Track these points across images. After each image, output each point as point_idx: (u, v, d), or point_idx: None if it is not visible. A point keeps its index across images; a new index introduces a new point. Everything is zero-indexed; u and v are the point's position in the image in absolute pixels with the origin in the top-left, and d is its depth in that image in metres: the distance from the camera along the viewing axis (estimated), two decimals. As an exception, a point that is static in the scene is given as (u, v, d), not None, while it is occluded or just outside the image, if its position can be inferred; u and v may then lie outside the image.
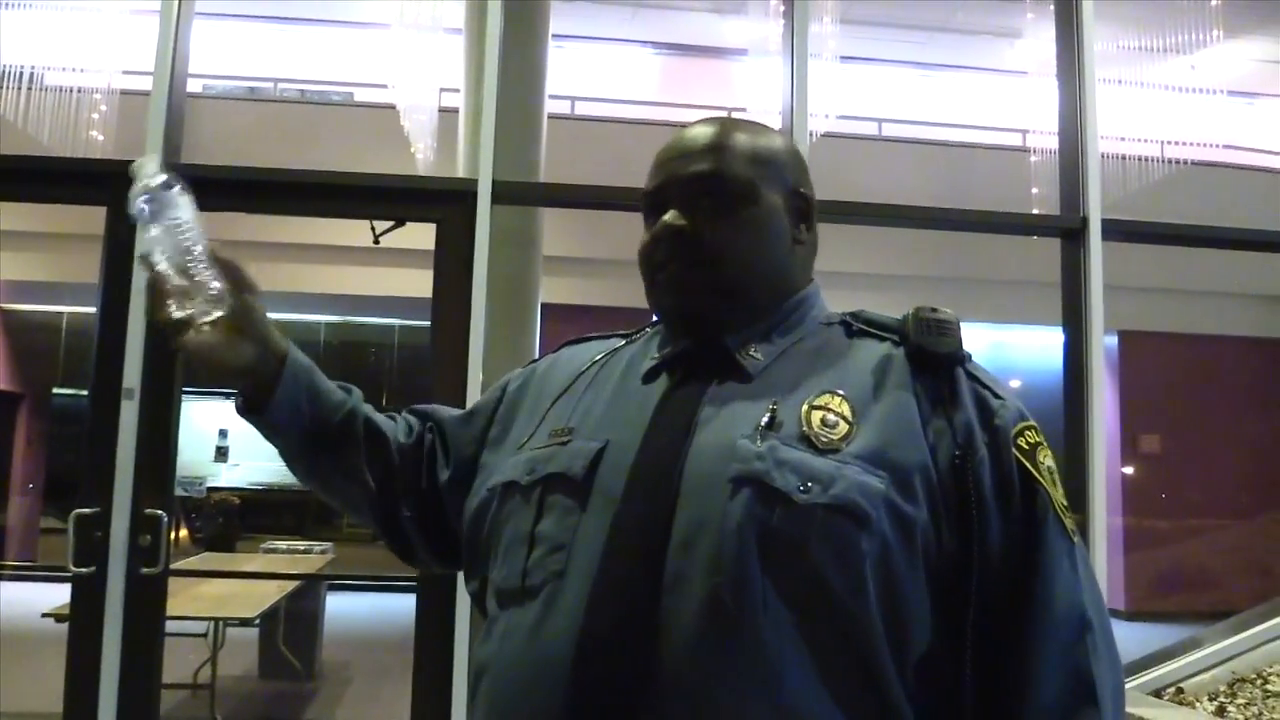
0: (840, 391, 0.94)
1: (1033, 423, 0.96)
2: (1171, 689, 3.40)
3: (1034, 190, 6.87)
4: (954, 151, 9.28)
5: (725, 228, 1.01)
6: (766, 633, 0.83)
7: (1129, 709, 3.09)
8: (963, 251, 7.84)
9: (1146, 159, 7.45)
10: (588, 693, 0.85)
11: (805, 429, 0.91)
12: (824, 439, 0.90)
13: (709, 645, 0.83)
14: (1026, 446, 0.93)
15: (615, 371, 1.08)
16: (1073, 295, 3.61)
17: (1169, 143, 8.08)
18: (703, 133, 1.06)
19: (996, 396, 0.96)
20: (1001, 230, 4.19)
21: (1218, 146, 8.94)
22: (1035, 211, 6.42)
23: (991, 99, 9.96)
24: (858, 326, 1.04)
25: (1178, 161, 8.02)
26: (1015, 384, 10.89)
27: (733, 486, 0.88)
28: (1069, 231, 3.64)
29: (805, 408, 0.93)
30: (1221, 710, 3.17)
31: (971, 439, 0.92)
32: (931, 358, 0.96)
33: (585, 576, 0.89)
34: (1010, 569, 0.90)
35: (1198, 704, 3.26)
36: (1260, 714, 3.09)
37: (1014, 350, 10.82)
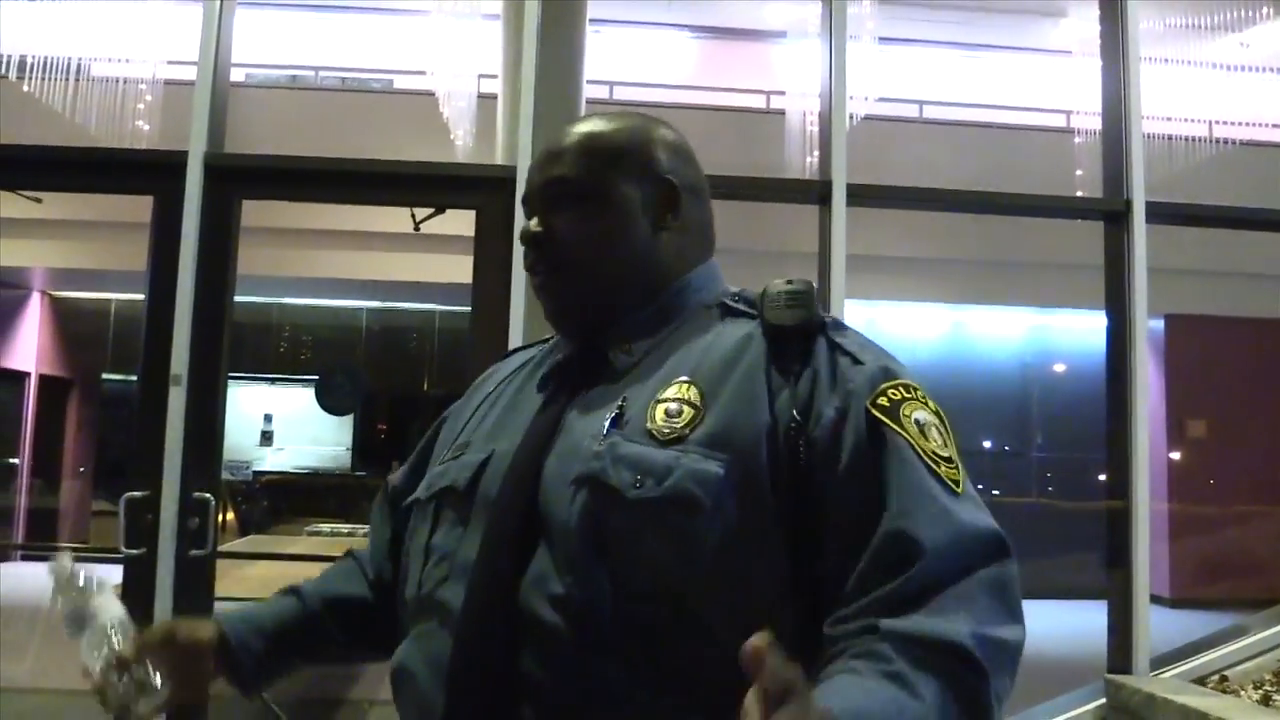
0: (690, 379, 0.94)
1: (901, 381, 0.92)
2: (1215, 677, 3.37)
3: (1078, 172, 6.79)
4: (997, 133, 9.15)
5: (574, 228, 1.03)
6: (617, 627, 0.84)
7: (1173, 696, 3.07)
8: (1006, 234, 7.75)
9: (1194, 139, 7.31)
10: (461, 696, 0.89)
11: (648, 424, 0.91)
12: (665, 430, 0.90)
13: (567, 644, 0.85)
14: (887, 403, 0.89)
15: (517, 383, 1.10)
16: (1116, 280, 3.57)
17: (1218, 122, 7.92)
18: (559, 137, 1.08)
19: (856, 361, 0.93)
20: (1043, 214, 4.15)
21: (1269, 126, 8.74)
22: (1079, 194, 6.34)
23: (1035, 79, 9.82)
24: (729, 306, 1.03)
25: (1226, 141, 7.86)
26: (1059, 368, 10.78)
27: (574, 488, 0.90)
28: (1112, 215, 3.59)
29: (652, 402, 0.93)
30: (1266, 699, 3.14)
31: (815, 405, 0.89)
32: (780, 330, 0.95)
33: (461, 582, 0.93)
34: (856, 502, 0.85)
35: (1242, 692, 3.23)
36: (1306, 703, 3.06)
37: (1059, 334, 10.70)
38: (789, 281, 0.98)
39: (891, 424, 0.88)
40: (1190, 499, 9.74)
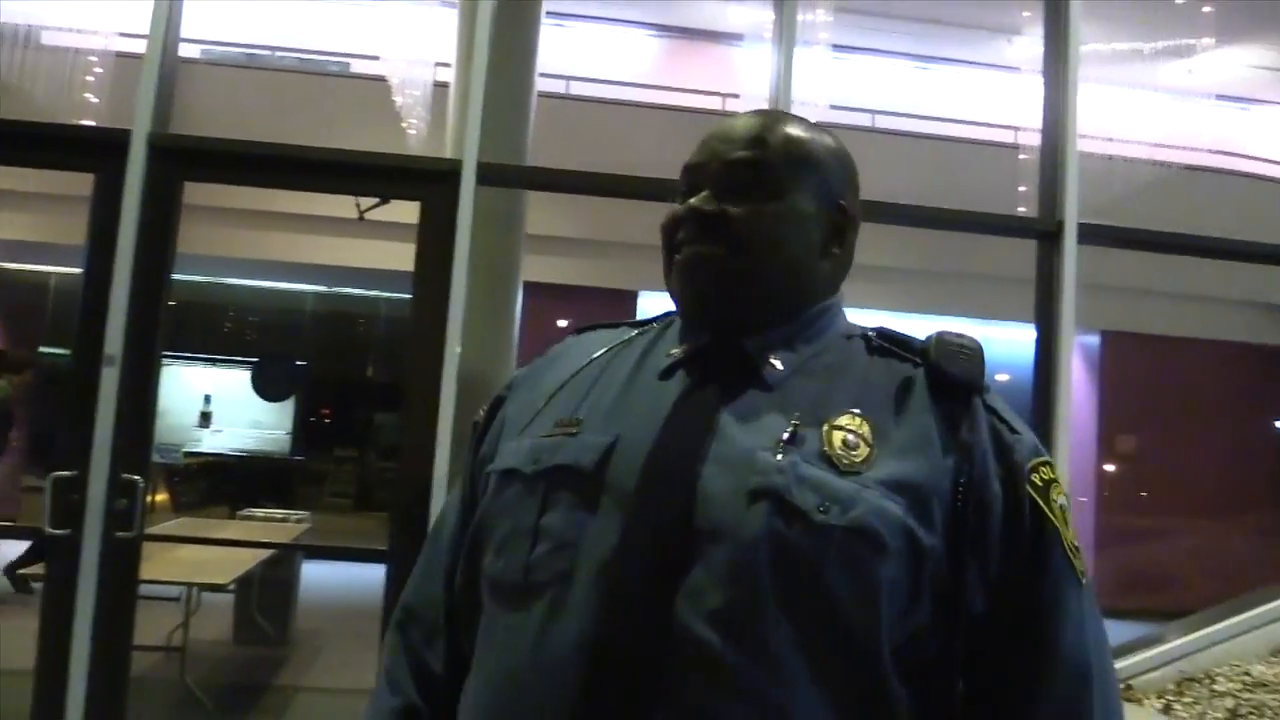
0: (860, 412, 0.92)
1: (1047, 458, 0.96)
2: (1122, 685, 3.48)
3: (1022, 188, 6.91)
4: (949, 145, 9.30)
5: (754, 216, 0.98)
6: (778, 649, 0.83)
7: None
8: (951, 246, 7.87)
9: (1132, 160, 7.49)
10: (600, 703, 0.84)
11: (826, 448, 0.90)
12: (845, 460, 0.89)
13: (721, 658, 0.83)
14: (1040, 483, 0.93)
15: (627, 364, 1.03)
16: (1046, 297, 3.66)
17: (1157, 145, 8.12)
18: (754, 121, 1.03)
19: (1013, 430, 0.95)
20: (978, 230, 4.23)
21: (1210, 151, 9.00)
22: (1022, 209, 6.46)
23: (986, 95, 9.99)
24: (879, 344, 1.01)
25: (1165, 164, 8.07)
26: (1002, 377, 10.96)
27: (750, 498, 0.86)
28: (1044, 234, 3.68)
29: (827, 427, 0.91)
30: (1168, 708, 3.25)
31: (985, 471, 0.91)
32: (952, 383, 0.95)
33: (594, 579, 0.87)
34: (1013, 606, 0.90)
35: (1145, 701, 3.34)
36: (1204, 714, 3.17)
37: (1001, 345, 10.87)
38: (959, 335, 0.99)
39: (1044, 506, 0.92)
40: (1118, 511, 9.99)
